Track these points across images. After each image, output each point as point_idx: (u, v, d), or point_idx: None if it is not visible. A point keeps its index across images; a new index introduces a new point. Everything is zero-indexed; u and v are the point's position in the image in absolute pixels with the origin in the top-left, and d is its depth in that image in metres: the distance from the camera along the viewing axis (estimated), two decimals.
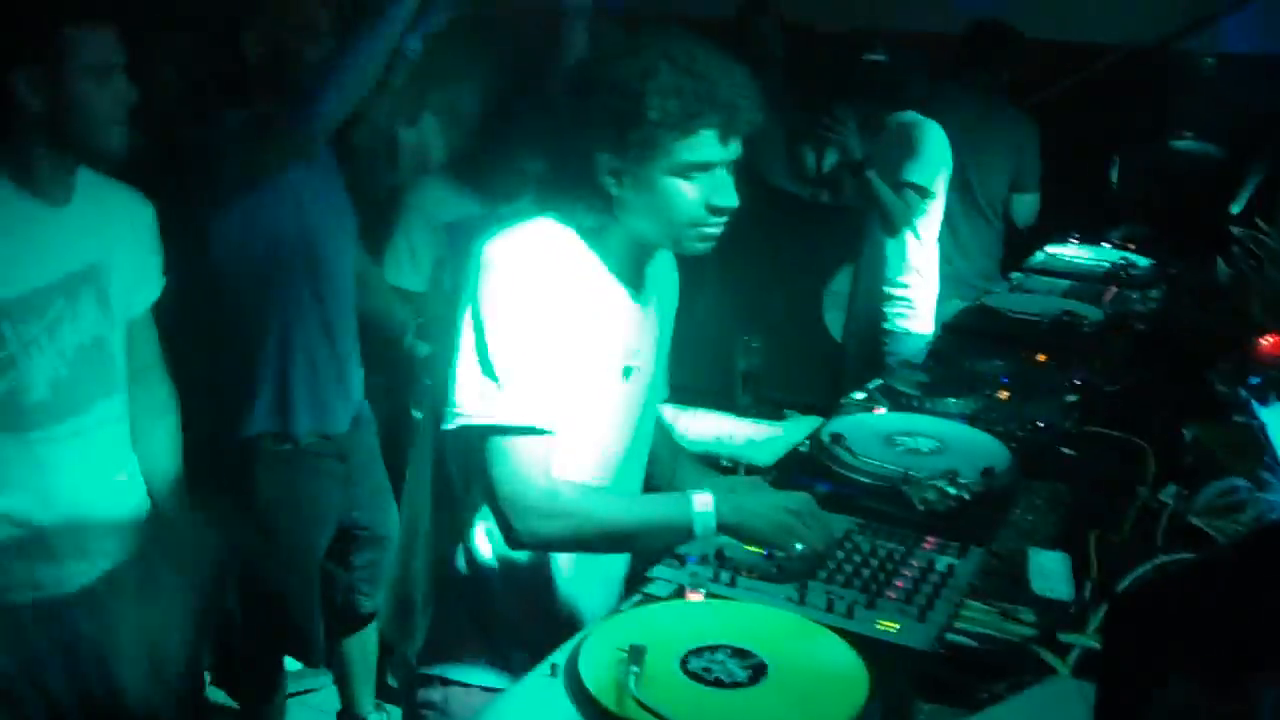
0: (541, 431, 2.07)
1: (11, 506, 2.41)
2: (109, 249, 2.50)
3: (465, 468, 2.20)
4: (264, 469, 3.22)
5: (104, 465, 2.54)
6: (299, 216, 3.14)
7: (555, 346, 2.09)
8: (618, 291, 2.22)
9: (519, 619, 2.27)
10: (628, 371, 2.25)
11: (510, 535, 2.10)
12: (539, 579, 2.27)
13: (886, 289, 4.79)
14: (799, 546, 2.10)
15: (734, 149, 2.11)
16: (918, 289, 4.86)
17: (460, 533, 2.27)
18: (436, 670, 2.31)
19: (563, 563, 2.28)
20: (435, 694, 2.30)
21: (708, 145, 2.07)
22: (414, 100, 4.11)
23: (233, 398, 3.17)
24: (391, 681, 3.91)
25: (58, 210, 2.42)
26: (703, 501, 2.09)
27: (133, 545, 2.62)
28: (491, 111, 3.84)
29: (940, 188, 4.74)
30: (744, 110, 2.08)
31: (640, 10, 4.25)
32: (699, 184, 2.10)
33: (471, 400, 2.07)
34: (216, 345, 3.17)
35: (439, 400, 2.15)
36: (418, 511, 2.25)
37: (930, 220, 4.77)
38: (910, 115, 4.80)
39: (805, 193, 5.06)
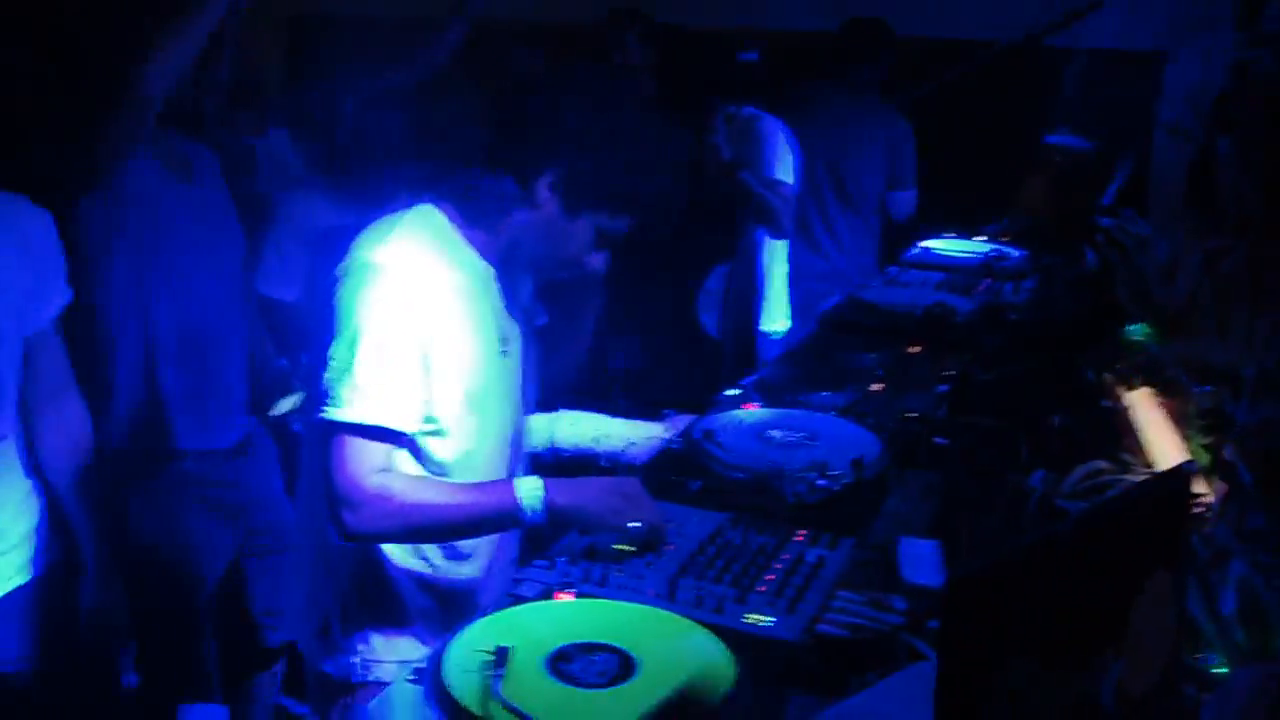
0: (388, 431, 2.12)
1: None
2: None
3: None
4: (140, 496, 3.10)
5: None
6: (170, 233, 3.05)
7: (430, 343, 2.15)
8: (491, 273, 2.32)
9: (439, 612, 2.33)
10: (504, 352, 2.34)
11: (341, 529, 2.13)
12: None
13: (759, 286, 4.81)
14: (631, 526, 2.14)
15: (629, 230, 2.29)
16: (796, 287, 4.90)
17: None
18: (368, 678, 2.33)
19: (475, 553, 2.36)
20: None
21: (625, 223, 2.26)
22: (258, 112, 4.06)
23: (97, 410, 3.08)
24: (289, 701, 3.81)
25: None
26: (530, 487, 2.14)
27: (24, 572, 2.53)
28: (349, 119, 3.81)
29: (797, 183, 4.83)
30: (663, 190, 2.27)
31: (508, 21, 4.24)
32: (596, 244, 2.27)
33: (329, 394, 2.11)
34: (83, 357, 3.08)
35: (309, 399, 2.19)
36: (320, 523, 2.23)
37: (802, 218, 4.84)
38: (748, 110, 4.84)
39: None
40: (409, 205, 2.29)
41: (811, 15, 6.40)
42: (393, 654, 2.34)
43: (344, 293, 2.14)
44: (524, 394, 2.49)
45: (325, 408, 2.10)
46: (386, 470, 2.14)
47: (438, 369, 2.18)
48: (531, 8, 6.13)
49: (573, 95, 2.24)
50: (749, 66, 4.84)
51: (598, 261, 2.31)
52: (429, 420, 2.21)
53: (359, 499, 2.10)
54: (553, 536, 2.22)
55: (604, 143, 2.18)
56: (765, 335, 4.87)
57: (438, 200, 2.28)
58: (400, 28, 4.37)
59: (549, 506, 2.14)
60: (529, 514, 2.14)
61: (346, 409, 2.10)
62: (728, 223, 4.60)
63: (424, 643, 2.33)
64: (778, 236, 4.84)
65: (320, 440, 2.16)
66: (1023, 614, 1.06)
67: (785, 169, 4.76)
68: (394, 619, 2.35)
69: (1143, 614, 1.27)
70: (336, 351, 2.12)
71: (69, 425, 2.61)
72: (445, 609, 2.36)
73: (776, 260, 4.88)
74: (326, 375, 2.12)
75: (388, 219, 2.25)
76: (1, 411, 2.45)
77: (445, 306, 2.19)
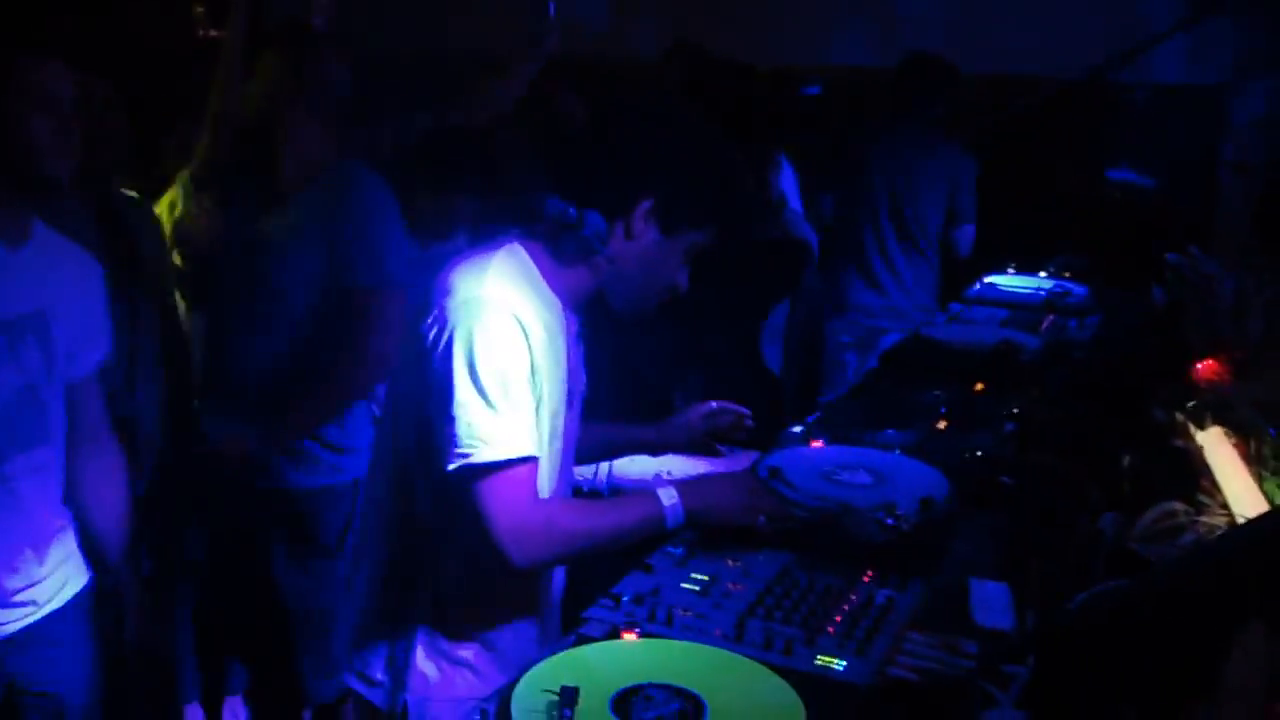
0: (532, 459, 2.14)
1: None
2: (56, 300, 2.49)
3: (447, 507, 2.19)
4: None
5: (32, 513, 2.51)
6: None
7: (535, 377, 2.17)
8: (570, 320, 2.32)
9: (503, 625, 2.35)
10: (570, 400, 2.35)
11: (509, 564, 2.12)
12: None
13: (825, 322, 4.80)
14: (762, 520, 2.28)
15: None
16: (855, 324, 4.88)
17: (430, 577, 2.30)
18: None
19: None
20: None
21: (713, 236, 2.27)
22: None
23: None
24: None
25: (11, 252, 2.42)
26: (669, 495, 2.21)
27: (66, 594, 2.60)
28: (413, 154, 3.83)
29: None
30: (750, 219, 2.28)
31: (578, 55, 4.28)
32: (684, 263, 2.28)
33: (468, 438, 2.09)
34: None
35: (426, 445, 2.16)
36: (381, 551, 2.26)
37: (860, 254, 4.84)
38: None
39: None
40: (497, 245, 2.27)
41: (872, 52, 6.41)
42: (448, 691, 2.32)
43: (450, 330, 2.11)
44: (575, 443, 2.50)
45: (469, 451, 2.08)
46: (541, 498, 2.17)
47: (537, 400, 2.20)
48: (589, 45, 6.18)
49: (652, 121, 2.27)
50: (811, 100, 4.84)
51: (685, 278, 2.31)
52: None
53: (529, 531, 2.12)
54: (612, 577, 2.21)
55: (693, 161, 2.22)
56: (827, 371, 4.86)
57: (523, 239, 2.27)
58: (463, 63, 4.41)
59: (686, 510, 2.22)
60: (672, 519, 2.21)
61: (494, 447, 2.08)
62: (791, 259, 4.58)
63: (479, 676, 2.32)
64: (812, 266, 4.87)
65: (459, 486, 2.13)
66: (1112, 664, 1.03)
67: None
68: (447, 644, 2.33)
69: (1235, 664, 1.24)
70: (466, 394, 2.09)
71: (107, 465, 2.71)
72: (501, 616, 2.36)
73: (840, 296, 4.87)
74: (461, 417, 2.09)
75: (479, 257, 2.23)
76: (47, 443, 2.52)
77: (538, 345, 2.17)
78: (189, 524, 3.61)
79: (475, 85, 4.07)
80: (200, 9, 5.86)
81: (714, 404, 2.84)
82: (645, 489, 2.28)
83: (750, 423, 2.80)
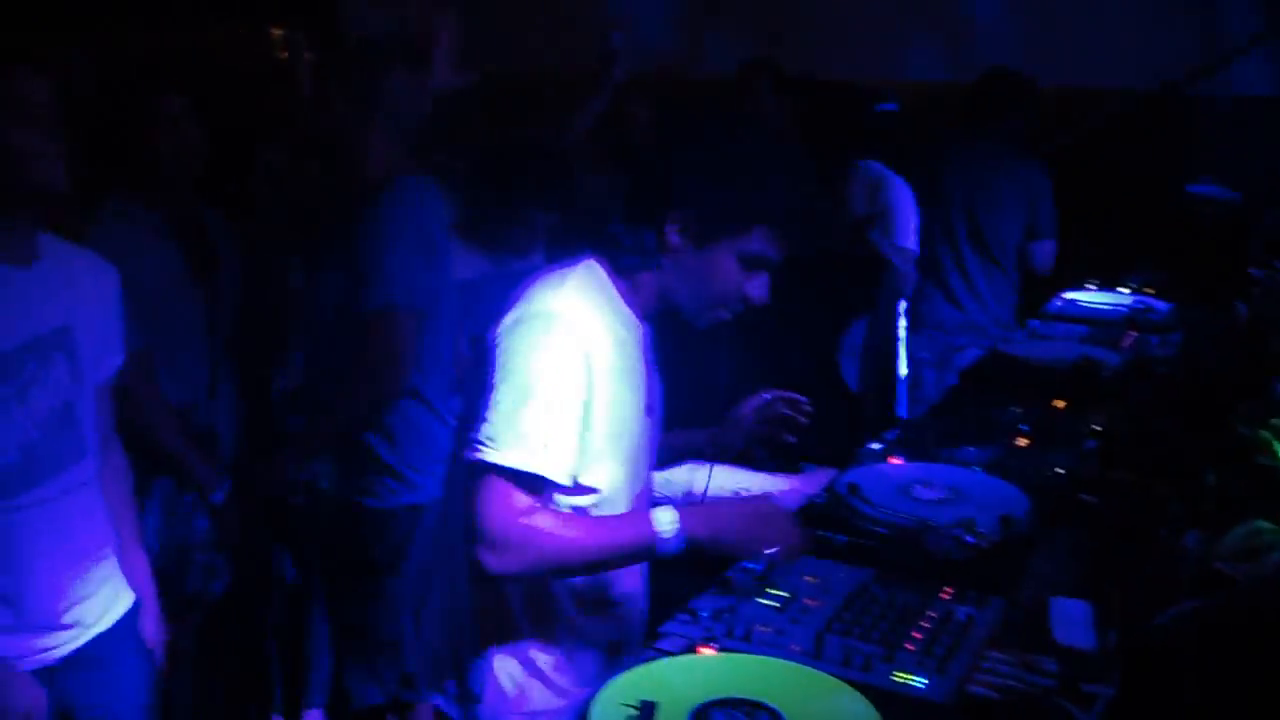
0: (542, 479, 2.11)
1: None
2: (77, 312, 2.46)
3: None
4: None
5: (75, 532, 2.48)
6: None
7: (593, 397, 2.16)
8: (642, 330, 2.33)
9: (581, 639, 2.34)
10: (650, 408, 2.35)
11: (482, 569, 2.12)
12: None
13: (901, 339, 4.79)
14: (770, 551, 2.16)
15: (782, 252, 2.26)
16: (933, 340, 4.86)
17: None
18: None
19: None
20: None
21: (774, 245, 2.23)
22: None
23: None
24: None
25: (23, 272, 2.37)
26: (667, 518, 2.12)
27: (114, 614, 2.58)
28: (491, 171, 3.86)
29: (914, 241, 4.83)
30: (811, 229, 2.34)
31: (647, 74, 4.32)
32: (747, 271, 2.24)
33: (490, 436, 2.10)
34: None
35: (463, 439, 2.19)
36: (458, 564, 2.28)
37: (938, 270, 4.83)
38: (876, 167, 4.84)
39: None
40: (575, 261, 2.30)
41: (947, 67, 6.38)
42: (522, 705, 2.33)
43: (517, 339, 2.14)
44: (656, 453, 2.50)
45: (483, 448, 2.10)
46: (532, 512, 2.13)
47: (596, 424, 2.18)
48: (668, 63, 6.20)
49: (685, 136, 2.29)
50: (887, 116, 4.83)
51: (759, 289, 2.28)
52: (576, 472, 2.21)
53: (504, 541, 2.09)
54: (693, 589, 2.21)
55: (718, 170, 2.21)
56: (905, 388, 4.85)
57: (596, 255, 2.29)
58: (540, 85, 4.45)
59: (686, 536, 2.13)
60: (662, 545, 2.12)
61: (506, 452, 2.09)
62: (869, 275, 4.58)
63: (554, 690, 2.33)
64: (897, 300, 4.85)
65: (468, 479, 2.15)
66: (1199, 684, 1.02)
67: (911, 236, 4.77)
68: (522, 656, 2.33)
69: None
70: (502, 395, 2.11)
71: (118, 471, 2.69)
72: (578, 629, 2.36)
73: (916, 313, 4.87)
74: (490, 417, 2.11)
75: (559, 272, 2.27)
76: (84, 457, 2.49)
77: (608, 360, 2.19)
78: (277, 539, 3.65)
79: (550, 107, 4.11)
80: (279, 32, 5.95)
81: (767, 394, 2.74)
82: (643, 511, 2.22)
83: (808, 407, 2.68)
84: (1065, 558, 2.43)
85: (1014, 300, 5.53)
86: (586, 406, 2.15)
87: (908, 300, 4.98)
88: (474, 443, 2.11)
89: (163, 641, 2.75)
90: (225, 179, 3.73)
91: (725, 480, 3.14)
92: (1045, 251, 5.50)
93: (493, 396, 2.12)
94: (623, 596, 2.41)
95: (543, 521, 2.13)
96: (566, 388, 2.12)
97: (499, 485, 2.10)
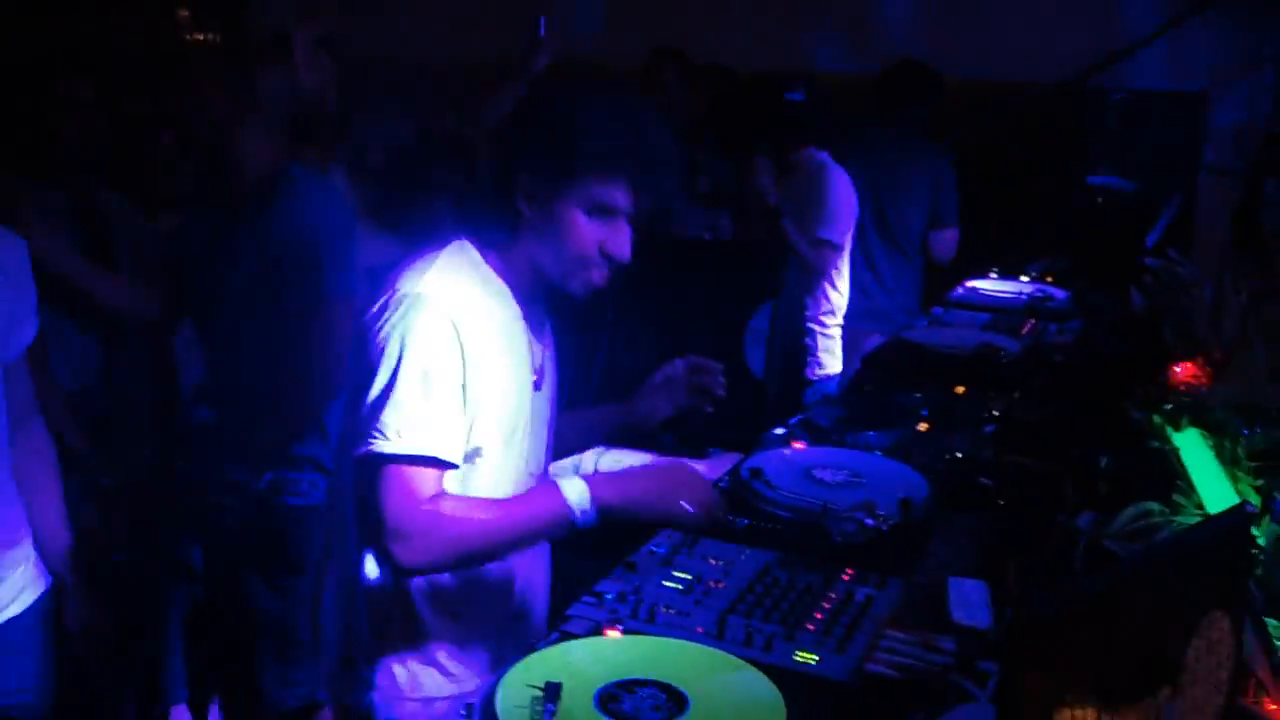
0: (437, 461, 2.11)
1: None
2: None
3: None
4: None
5: None
6: None
7: (468, 373, 2.16)
8: (521, 308, 2.31)
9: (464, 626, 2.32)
10: (537, 383, 2.35)
11: (393, 563, 2.11)
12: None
13: (806, 326, 4.83)
14: (689, 510, 2.18)
15: (640, 204, 2.21)
16: (834, 326, 4.92)
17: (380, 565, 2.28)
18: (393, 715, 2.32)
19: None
20: None
21: (617, 193, 2.18)
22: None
23: None
24: None
25: None
26: (576, 489, 2.13)
27: (25, 600, 2.55)
28: (397, 158, 3.86)
29: (849, 239, 4.86)
30: (659, 174, 2.21)
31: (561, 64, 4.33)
32: (599, 226, 2.20)
33: (375, 428, 2.09)
34: None
35: (349, 433, 2.18)
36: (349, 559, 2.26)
37: (844, 261, 4.86)
38: (820, 157, 4.87)
39: (707, 232, 5.12)
40: (447, 243, 2.30)
41: (854, 58, 6.45)
42: (416, 692, 2.32)
43: (387, 325, 2.13)
44: (554, 426, 2.50)
45: (372, 441, 2.09)
46: (436, 498, 2.12)
47: (475, 400, 2.18)
48: (578, 48, 6.21)
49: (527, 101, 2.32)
50: (794, 106, 4.87)
51: (619, 246, 2.22)
52: (467, 451, 2.21)
53: (410, 531, 2.08)
54: (598, 572, 2.22)
55: (542, 126, 2.22)
56: (809, 373, 4.89)
57: (469, 235, 2.30)
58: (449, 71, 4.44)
59: (598, 505, 2.13)
60: (580, 516, 2.13)
61: (396, 441, 2.08)
62: (774, 261, 4.62)
63: (449, 677, 2.33)
64: (807, 285, 4.89)
65: (361, 474, 2.14)
66: (1081, 655, 1.06)
67: (835, 229, 4.80)
68: (417, 645, 2.32)
69: (1199, 654, 1.27)
70: (380, 383, 2.10)
71: (38, 449, 2.64)
72: (474, 616, 2.36)
73: (820, 301, 4.91)
74: (370, 407, 2.11)
75: (427, 255, 2.27)
76: None
77: (483, 338, 2.19)
78: (184, 527, 3.61)
79: (466, 99, 4.12)
80: (184, 13, 5.87)
81: (680, 362, 2.70)
82: (551, 485, 2.20)
83: (722, 379, 2.65)
84: (963, 539, 2.48)
85: (918, 288, 5.60)
86: (464, 383, 2.15)
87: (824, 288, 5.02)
88: (363, 436, 2.10)
89: (84, 626, 2.71)
90: (129, 163, 3.68)
91: (631, 465, 3.16)
92: (947, 240, 5.59)
93: (372, 387, 2.11)
94: (518, 581, 2.41)
95: (448, 507, 2.12)
96: (444, 367, 2.12)
97: (396, 474, 2.09)
